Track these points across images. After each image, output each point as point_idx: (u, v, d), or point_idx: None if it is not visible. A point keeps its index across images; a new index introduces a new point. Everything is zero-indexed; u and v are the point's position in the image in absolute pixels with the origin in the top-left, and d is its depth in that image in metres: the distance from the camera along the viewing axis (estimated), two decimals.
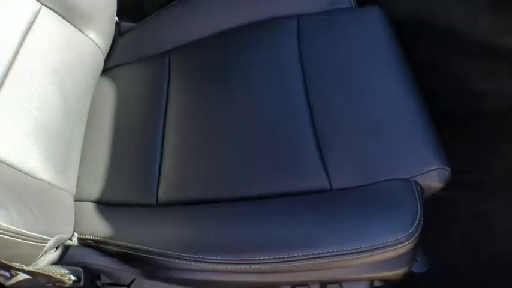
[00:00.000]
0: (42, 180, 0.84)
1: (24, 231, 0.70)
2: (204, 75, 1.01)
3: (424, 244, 0.81)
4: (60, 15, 0.97)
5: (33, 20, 0.92)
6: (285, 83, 0.93)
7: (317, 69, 0.93)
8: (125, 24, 1.15)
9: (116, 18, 1.10)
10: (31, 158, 0.83)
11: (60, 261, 0.82)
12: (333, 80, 0.91)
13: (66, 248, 0.83)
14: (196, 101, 0.98)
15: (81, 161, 0.95)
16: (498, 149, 1.17)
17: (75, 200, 0.91)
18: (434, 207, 0.85)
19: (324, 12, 1.00)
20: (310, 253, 0.71)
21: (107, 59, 1.09)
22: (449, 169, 0.79)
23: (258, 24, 1.02)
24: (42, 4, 0.94)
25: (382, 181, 0.78)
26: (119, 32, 1.14)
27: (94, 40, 1.03)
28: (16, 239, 0.69)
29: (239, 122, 0.92)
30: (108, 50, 1.09)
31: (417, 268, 0.99)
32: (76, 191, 0.93)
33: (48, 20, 0.95)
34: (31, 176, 0.82)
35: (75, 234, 0.85)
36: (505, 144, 1.18)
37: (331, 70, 0.92)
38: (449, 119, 1.16)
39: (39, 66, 0.90)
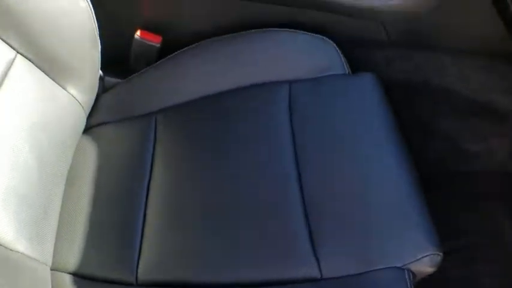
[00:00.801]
0: (17, 251, 0.77)
1: None
2: (191, 142, 0.97)
3: None
4: (37, 66, 0.90)
5: (8, 70, 0.84)
6: (275, 155, 0.90)
7: (308, 140, 0.91)
8: (110, 80, 1.10)
9: (100, 72, 1.04)
10: (3, 228, 0.76)
11: None
12: (324, 152, 0.89)
13: None
14: (182, 171, 0.93)
15: (59, 228, 0.89)
16: (487, 210, 1.17)
17: (51, 269, 0.85)
18: None
19: (317, 79, 0.98)
20: None
21: (89, 117, 1.03)
22: (441, 254, 0.78)
23: (249, 89, 0.99)
24: (17, 52, 0.86)
25: (375, 270, 0.76)
26: (103, 88, 1.09)
27: (75, 96, 0.96)
28: None
29: (226, 198, 0.87)
30: (91, 107, 1.03)
31: None
32: (53, 259, 0.86)
33: (24, 70, 0.87)
34: (4, 247, 0.76)
35: None
36: (495, 205, 1.18)
37: (323, 141, 0.91)
38: (438, 180, 1.16)
39: (13, 123, 0.82)
